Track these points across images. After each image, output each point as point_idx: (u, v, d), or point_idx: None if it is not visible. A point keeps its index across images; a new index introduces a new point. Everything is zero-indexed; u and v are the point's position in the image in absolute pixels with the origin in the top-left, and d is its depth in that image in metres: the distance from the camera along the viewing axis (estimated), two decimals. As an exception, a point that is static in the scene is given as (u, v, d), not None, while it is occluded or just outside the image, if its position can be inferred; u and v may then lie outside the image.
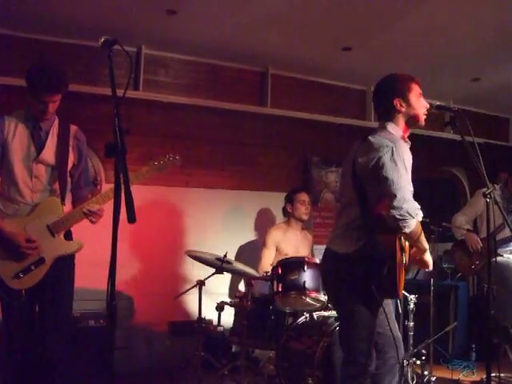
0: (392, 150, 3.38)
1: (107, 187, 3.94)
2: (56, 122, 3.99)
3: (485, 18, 5.78)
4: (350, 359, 3.66)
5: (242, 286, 6.93)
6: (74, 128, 4.04)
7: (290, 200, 6.40)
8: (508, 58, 6.88)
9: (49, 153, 3.89)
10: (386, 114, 3.70)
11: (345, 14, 5.78)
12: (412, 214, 3.32)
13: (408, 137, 3.69)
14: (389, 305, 3.78)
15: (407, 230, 3.36)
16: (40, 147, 3.87)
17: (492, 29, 6.05)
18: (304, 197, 6.41)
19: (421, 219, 3.41)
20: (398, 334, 3.79)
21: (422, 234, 3.54)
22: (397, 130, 3.62)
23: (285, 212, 6.52)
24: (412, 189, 3.38)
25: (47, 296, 3.81)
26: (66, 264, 3.89)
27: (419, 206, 3.38)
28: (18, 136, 3.83)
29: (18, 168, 3.81)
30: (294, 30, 6.24)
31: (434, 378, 5.41)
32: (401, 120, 3.65)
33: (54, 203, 3.87)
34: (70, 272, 3.97)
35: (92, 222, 3.88)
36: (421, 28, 6.06)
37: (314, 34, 6.32)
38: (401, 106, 3.61)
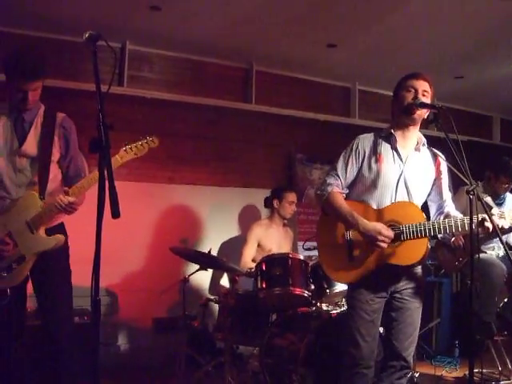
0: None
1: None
2: (41, 111, 3.85)
3: (468, 17, 5.81)
4: (343, 350, 3.76)
5: (223, 282, 6.93)
6: (60, 116, 3.90)
7: (278, 196, 6.37)
8: (490, 56, 6.94)
9: (31, 144, 3.77)
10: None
11: (330, 11, 5.79)
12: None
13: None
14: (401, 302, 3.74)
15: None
16: (22, 139, 3.76)
17: (475, 28, 6.08)
18: (293, 197, 6.42)
19: (326, 193, 3.72)
20: (407, 338, 3.76)
21: (339, 210, 3.68)
22: (388, 131, 3.80)
23: (268, 204, 6.50)
24: (339, 171, 3.76)
25: (44, 292, 3.76)
26: (56, 258, 3.79)
27: (330, 182, 3.75)
28: (0, 129, 3.73)
29: (2, 163, 3.71)
30: (279, 27, 6.24)
31: (417, 374, 5.43)
32: (395, 119, 3.83)
33: (32, 198, 3.72)
34: (63, 265, 3.88)
35: (67, 213, 3.74)
36: (404, 26, 6.09)
37: (298, 31, 6.33)
38: (394, 104, 3.82)
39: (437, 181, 3.87)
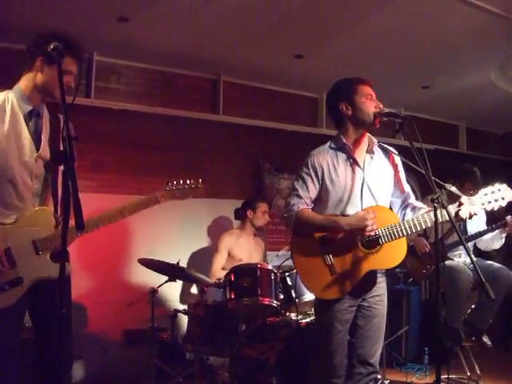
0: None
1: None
2: (45, 108, 3.34)
3: (435, 28, 5.88)
4: (315, 360, 3.77)
5: (194, 290, 6.91)
6: (63, 119, 3.07)
7: (252, 207, 6.44)
8: (457, 66, 7.00)
9: (45, 147, 3.24)
10: (337, 123, 3.83)
11: (297, 21, 5.81)
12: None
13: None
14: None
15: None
16: (38, 139, 3.21)
17: (441, 38, 6.14)
18: (266, 207, 6.54)
19: (293, 212, 3.64)
20: (369, 350, 3.72)
21: (313, 221, 3.63)
22: (341, 141, 3.73)
23: (240, 216, 6.53)
24: (301, 192, 3.68)
25: (46, 327, 3.27)
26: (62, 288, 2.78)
27: (294, 202, 3.67)
28: (11, 124, 3.14)
29: (16, 166, 3.12)
30: (246, 38, 6.25)
31: (387, 382, 5.47)
32: (350, 126, 3.73)
33: (45, 214, 3.22)
34: (69, 297, 3.39)
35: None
36: (371, 37, 6.12)
37: (266, 42, 6.34)
38: (347, 109, 3.69)
39: (395, 176, 3.86)
